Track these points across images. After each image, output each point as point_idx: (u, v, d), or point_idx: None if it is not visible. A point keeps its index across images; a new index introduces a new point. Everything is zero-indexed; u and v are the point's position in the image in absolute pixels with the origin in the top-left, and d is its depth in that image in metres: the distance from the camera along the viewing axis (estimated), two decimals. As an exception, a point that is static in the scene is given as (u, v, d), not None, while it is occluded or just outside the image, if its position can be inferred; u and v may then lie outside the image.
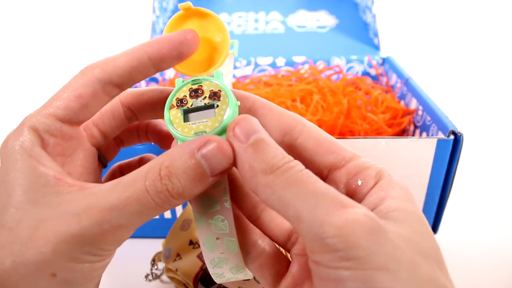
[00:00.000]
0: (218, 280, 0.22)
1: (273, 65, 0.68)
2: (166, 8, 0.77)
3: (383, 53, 0.70)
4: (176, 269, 0.35)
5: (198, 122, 0.20)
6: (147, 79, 0.66)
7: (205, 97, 0.21)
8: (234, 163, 0.19)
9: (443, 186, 0.42)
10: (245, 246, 0.21)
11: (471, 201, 0.51)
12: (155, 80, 0.67)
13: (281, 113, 0.22)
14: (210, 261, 0.21)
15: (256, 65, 0.69)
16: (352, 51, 0.70)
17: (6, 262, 0.17)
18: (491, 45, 0.99)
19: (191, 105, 0.21)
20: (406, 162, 0.40)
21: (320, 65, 0.68)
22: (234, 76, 0.68)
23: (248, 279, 0.22)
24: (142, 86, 0.64)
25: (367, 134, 0.51)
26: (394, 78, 0.62)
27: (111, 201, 0.17)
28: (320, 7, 0.79)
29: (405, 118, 0.52)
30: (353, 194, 0.20)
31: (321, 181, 0.17)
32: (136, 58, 0.20)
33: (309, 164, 0.21)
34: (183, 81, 0.22)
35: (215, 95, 0.21)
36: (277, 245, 0.23)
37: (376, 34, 0.71)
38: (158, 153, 0.20)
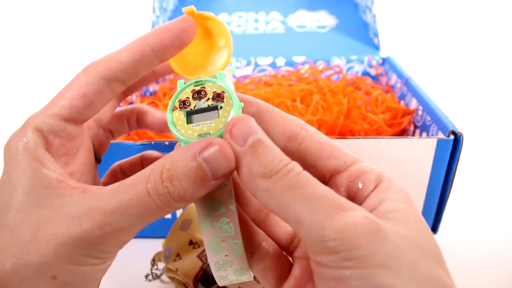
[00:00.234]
0: (221, 283, 0.22)
1: (273, 65, 0.68)
2: (166, 8, 0.77)
3: (383, 53, 0.70)
4: (176, 269, 0.35)
5: (202, 124, 0.20)
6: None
7: (208, 99, 0.21)
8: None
9: (443, 186, 0.42)
10: (249, 248, 0.21)
11: (471, 201, 0.51)
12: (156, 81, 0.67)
13: (285, 118, 0.22)
14: (215, 264, 0.21)
15: (256, 65, 0.69)
16: (352, 51, 0.70)
17: (7, 264, 0.17)
18: (491, 45, 0.99)
19: (194, 107, 0.21)
20: (406, 162, 0.40)
21: (320, 65, 0.68)
22: (234, 76, 0.68)
23: (252, 280, 0.22)
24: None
25: (367, 134, 0.51)
26: (394, 78, 0.62)
27: (112, 203, 0.17)
28: (320, 7, 0.79)
29: (405, 118, 0.52)
30: (354, 197, 0.20)
31: (320, 184, 0.17)
32: (139, 51, 0.20)
33: (311, 168, 0.21)
34: (185, 83, 0.22)
35: (218, 97, 0.21)
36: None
37: (376, 34, 0.71)
38: (157, 150, 0.20)
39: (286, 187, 0.17)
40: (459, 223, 0.48)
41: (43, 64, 0.97)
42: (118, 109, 0.28)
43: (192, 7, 0.21)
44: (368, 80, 0.64)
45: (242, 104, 0.21)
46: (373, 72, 0.68)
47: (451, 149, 0.39)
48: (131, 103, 0.60)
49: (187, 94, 0.21)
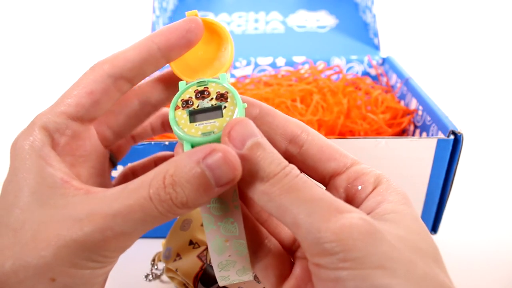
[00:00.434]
0: (222, 283, 0.22)
1: (273, 65, 0.68)
2: (166, 8, 0.77)
3: (383, 53, 0.70)
4: (176, 269, 0.35)
5: (206, 123, 0.20)
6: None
7: (212, 99, 0.21)
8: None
9: (443, 186, 0.42)
10: (252, 246, 0.21)
11: (471, 201, 0.51)
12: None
13: (287, 121, 0.22)
14: (218, 264, 0.21)
15: (256, 65, 0.69)
16: (352, 51, 0.70)
17: (7, 265, 0.17)
18: (491, 45, 0.99)
19: (198, 106, 0.20)
20: (406, 162, 0.40)
21: (320, 65, 0.68)
22: (234, 76, 0.68)
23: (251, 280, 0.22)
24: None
25: (367, 134, 0.51)
26: (394, 78, 0.62)
27: (114, 207, 0.17)
28: (320, 7, 0.79)
29: (405, 118, 0.52)
30: (352, 199, 0.21)
31: (317, 187, 0.17)
32: (146, 50, 0.20)
33: (312, 171, 0.22)
34: (186, 84, 0.22)
35: (222, 97, 0.21)
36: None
37: (376, 34, 0.70)
38: (157, 150, 0.19)
39: (284, 190, 0.17)
40: (459, 223, 0.48)
41: (43, 64, 0.97)
42: None
43: (195, 12, 0.22)
44: (368, 80, 0.63)
45: (246, 105, 0.20)
46: (373, 72, 0.68)
47: (451, 149, 0.39)
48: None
49: (190, 94, 0.21)
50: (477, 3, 1.09)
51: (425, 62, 0.90)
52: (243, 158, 0.18)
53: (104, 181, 0.24)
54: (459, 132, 0.38)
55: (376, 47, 0.71)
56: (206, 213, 0.20)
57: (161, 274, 0.41)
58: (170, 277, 0.37)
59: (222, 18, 0.78)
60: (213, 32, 0.23)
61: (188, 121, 0.20)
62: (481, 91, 0.81)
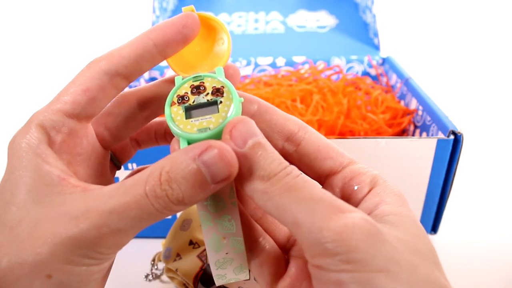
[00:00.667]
0: (219, 282, 0.22)
1: (273, 65, 0.68)
2: (166, 8, 0.77)
3: (383, 53, 0.70)
4: (176, 269, 0.35)
5: (201, 119, 0.20)
6: (147, 79, 0.66)
7: (208, 94, 0.20)
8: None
9: (443, 186, 0.41)
10: (247, 243, 0.21)
11: (471, 201, 0.51)
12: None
13: (285, 118, 0.22)
14: (215, 262, 0.21)
15: (256, 65, 0.68)
16: (352, 51, 0.70)
17: (3, 262, 0.17)
18: (491, 45, 0.99)
19: (193, 102, 0.20)
20: (406, 162, 0.40)
21: (320, 65, 0.68)
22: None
23: (248, 279, 0.22)
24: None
25: (367, 134, 0.51)
26: (394, 78, 0.62)
27: (110, 204, 0.17)
28: (320, 7, 0.79)
29: (405, 118, 0.52)
30: (348, 199, 0.20)
31: (318, 186, 0.17)
32: (141, 47, 0.20)
33: (308, 169, 0.22)
34: (183, 78, 0.22)
35: (218, 92, 0.20)
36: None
37: (376, 34, 0.70)
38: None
39: (284, 189, 0.17)
40: (459, 223, 0.48)
41: (43, 63, 0.97)
42: None
43: (191, 7, 0.21)
44: (368, 80, 0.63)
45: (242, 100, 0.20)
46: (373, 72, 0.68)
47: (451, 149, 0.39)
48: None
49: (185, 89, 0.21)
50: (477, 3, 1.09)
51: (425, 62, 0.90)
52: (244, 157, 0.18)
53: (105, 182, 0.24)
54: (459, 132, 0.38)
55: (376, 47, 0.71)
56: (203, 211, 0.20)
57: (161, 274, 0.41)
58: (170, 277, 0.37)
59: (222, 18, 0.78)
60: (210, 27, 0.23)
61: (184, 117, 0.20)
62: (481, 91, 0.81)
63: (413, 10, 1.12)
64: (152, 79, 0.67)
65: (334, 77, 0.66)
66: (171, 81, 0.23)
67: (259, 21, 0.77)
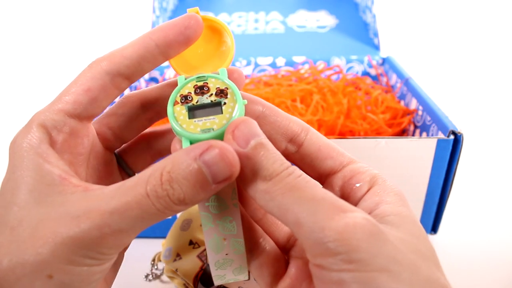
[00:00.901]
0: (218, 282, 0.22)
1: (273, 65, 0.68)
2: (166, 8, 0.77)
3: (383, 53, 0.70)
4: (176, 269, 0.35)
5: (205, 119, 0.19)
6: (147, 79, 0.66)
7: (212, 94, 0.20)
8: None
9: (443, 186, 0.42)
10: (247, 244, 0.21)
11: (471, 201, 0.51)
12: (155, 80, 0.67)
13: (288, 120, 0.22)
14: (215, 263, 0.21)
15: (256, 65, 0.69)
16: (352, 51, 0.70)
17: (4, 262, 0.17)
18: (491, 45, 0.99)
19: (197, 102, 0.20)
20: (406, 162, 0.40)
21: (320, 65, 0.68)
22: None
23: (248, 279, 0.22)
24: (143, 87, 0.64)
25: (367, 134, 0.51)
26: (394, 78, 0.62)
27: (112, 204, 0.17)
28: (320, 7, 0.79)
29: (405, 118, 0.52)
30: (348, 198, 0.21)
31: (319, 186, 0.17)
32: (143, 47, 0.20)
33: (309, 169, 0.22)
34: (185, 78, 0.22)
35: (221, 93, 0.20)
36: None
37: (376, 34, 0.70)
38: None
39: (286, 189, 0.17)
40: (459, 223, 0.48)
41: (44, 64, 0.97)
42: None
43: (196, 9, 0.21)
44: (368, 80, 0.63)
45: (246, 102, 0.20)
46: (373, 72, 0.68)
47: (451, 149, 0.39)
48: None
49: (189, 89, 0.21)
50: (477, 3, 1.09)
51: (425, 62, 0.90)
52: (246, 157, 0.18)
53: (109, 184, 0.23)
54: (459, 132, 0.38)
55: (376, 47, 0.71)
56: (204, 211, 0.20)
57: (161, 274, 0.41)
58: (170, 277, 0.37)
59: (222, 18, 0.78)
60: (214, 30, 0.23)
61: (187, 117, 0.20)
62: (481, 91, 0.81)
63: (413, 10, 1.12)
64: (153, 78, 0.67)
65: (334, 77, 0.66)
66: (175, 85, 0.23)
67: (259, 21, 0.77)
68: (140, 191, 0.17)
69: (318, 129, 0.51)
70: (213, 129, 0.19)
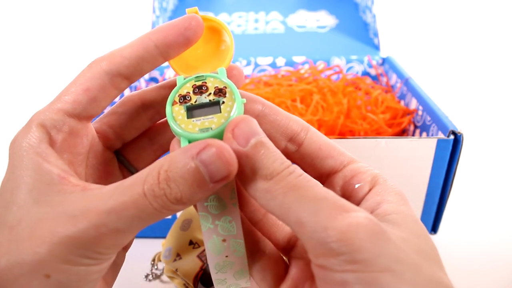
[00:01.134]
0: (219, 287, 0.22)
1: (273, 65, 0.68)
2: (166, 8, 0.77)
3: (383, 53, 0.70)
4: (176, 269, 0.35)
5: (203, 119, 0.19)
6: (147, 79, 0.66)
7: (210, 94, 0.20)
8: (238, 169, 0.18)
9: (443, 186, 0.42)
10: (247, 247, 0.21)
11: (471, 201, 0.51)
12: (155, 81, 0.67)
13: (288, 119, 0.22)
14: (215, 265, 0.20)
15: (256, 65, 0.69)
16: (352, 51, 0.70)
17: (1, 262, 0.17)
18: (491, 45, 0.99)
19: (195, 102, 0.20)
20: (406, 162, 0.40)
21: (320, 65, 0.68)
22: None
23: (249, 286, 0.22)
24: (143, 87, 0.64)
25: (367, 134, 0.51)
26: (394, 78, 0.62)
27: (109, 204, 0.17)
28: (320, 7, 0.79)
29: (405, 118, 0.52)
30: (349, 197, 0.20)
31: (321, 186, 0.17)
32: (142, 47, 0.20)
33: (309, 168, 0.22)
34: (184, 78, 0.22)
35: (220, 92, 0.20)
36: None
37: (376, 34, 0.71)
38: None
39: (288, 189, 0.17)
40: (459, 223, 0.48)
41: (44, 64, 0.97)
42: None
43: (195, 9, 0.21)
44: (368, 80, 0.63)
45: (244, 100, 0.20)
46: (373, 72, 0.68)
47: (451, 149, 0.39)
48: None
49: (187, 89, 0.21)
50: (477, 3, 1.09)
51: (425, 62, 0.90)
52: (246, 156, 0.18)
53: (110, 183, 0.23)
54: (459, 132, 0.38)
55: (376, 47, 0.71)
56: (203, 212, 0.20)
57: (161, 274, 0.41)
58: (170, 277, 0.37)
59: (222, 18, 0.78)
60: (213, 29, 0.23)
61: (185, 117, 0.20)
62: (481, 91, 0.81)
63: (413, 10, 1.12)
64: (153, 79, 0.67)
65: (334, 77, 0.66)
66: (175, 85, 0.23)
67: (259, 21, 0.77)
68: (138, 190, 0.17)
69: (318, 129, 0.51)
70: (211, 128, 0.19)
